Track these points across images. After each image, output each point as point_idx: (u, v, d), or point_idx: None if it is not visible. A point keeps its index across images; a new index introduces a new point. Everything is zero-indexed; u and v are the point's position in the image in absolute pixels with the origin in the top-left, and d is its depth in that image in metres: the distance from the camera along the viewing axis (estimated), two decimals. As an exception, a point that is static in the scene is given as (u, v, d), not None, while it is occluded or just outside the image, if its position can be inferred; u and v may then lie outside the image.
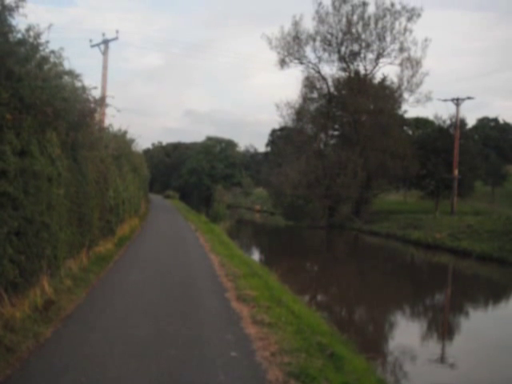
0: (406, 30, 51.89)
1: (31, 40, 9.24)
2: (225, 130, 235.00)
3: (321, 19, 53.24)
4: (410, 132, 71.55)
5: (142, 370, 6.91)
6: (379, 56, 53.77)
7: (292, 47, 54.79)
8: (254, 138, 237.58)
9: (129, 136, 29.74)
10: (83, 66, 22.34)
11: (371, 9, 52.08)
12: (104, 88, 35.96)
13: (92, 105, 14.17)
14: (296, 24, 54.08)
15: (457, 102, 53.02)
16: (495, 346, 14.56)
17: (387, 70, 56.55)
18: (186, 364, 7.22)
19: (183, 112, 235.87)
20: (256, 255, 32.65)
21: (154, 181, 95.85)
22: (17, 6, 8.47)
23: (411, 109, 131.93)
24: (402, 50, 52.59)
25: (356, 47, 53.66)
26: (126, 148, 27.58)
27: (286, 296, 12.85)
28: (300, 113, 56.69)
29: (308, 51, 55.55)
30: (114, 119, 27.43)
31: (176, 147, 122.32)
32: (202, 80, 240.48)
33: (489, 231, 34.45)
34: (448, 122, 57.22)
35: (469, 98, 52.86)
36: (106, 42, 38.19)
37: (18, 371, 6.57)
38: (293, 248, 38.31)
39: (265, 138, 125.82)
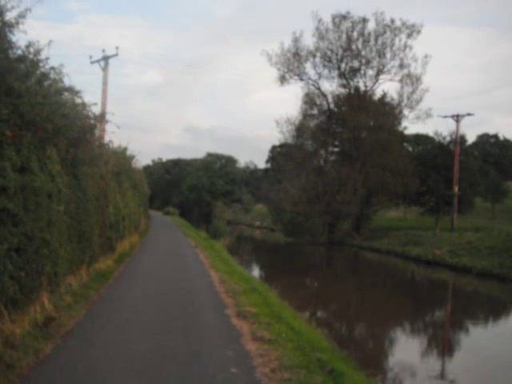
0: (406, 46, 52.21)
1: (31, 56, 9.29)
2: (225, 146, 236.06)
3: (321, 36, 53.53)
4: (410, 148, 71.61)
5: (141, 386, 6.88)
6: (379, 72, 53.94)
7: (292, 63, 54.99)
8: (254, 154, 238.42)
9: (129, 152, 29.93)
10: (83, 82, 22.38)
11: (371, 25, 52.24)
12: (104, 104, 36.05)
13: (92, 121, 14.18)
14: (296, 40, 54.37)
15: (457, 118, 53.07)
16: (495, 363, 14.49)
17: (387, 87, 57.14)
18: (187, 380, 7.20)
19: (183, 128, 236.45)
20: (256, 271, 32.58)
21: (154, 197, 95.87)
22: (17, 23, 8.53)
23: (411, 125, 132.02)
24: (402, 66, 52.88)
25: (356, 64, 53.93)
26: (126, 164, 27.65)
27: (285, 312, 12.82)
28: (300, 129, 56.72)
29: (308, 67, 55.77)
30: (113, 135, 27.51)
31: (176, 164, 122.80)
32: (202, 96, 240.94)
33: (489, 248, 34.33)
34: (448, 138, 57.16)
35: (469, 114, 52.85)
36: (105, 59, 38.30)
37: (17, 388, 6.54)
38: (293, 264, 38.20)
39: (265, 155, 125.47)
